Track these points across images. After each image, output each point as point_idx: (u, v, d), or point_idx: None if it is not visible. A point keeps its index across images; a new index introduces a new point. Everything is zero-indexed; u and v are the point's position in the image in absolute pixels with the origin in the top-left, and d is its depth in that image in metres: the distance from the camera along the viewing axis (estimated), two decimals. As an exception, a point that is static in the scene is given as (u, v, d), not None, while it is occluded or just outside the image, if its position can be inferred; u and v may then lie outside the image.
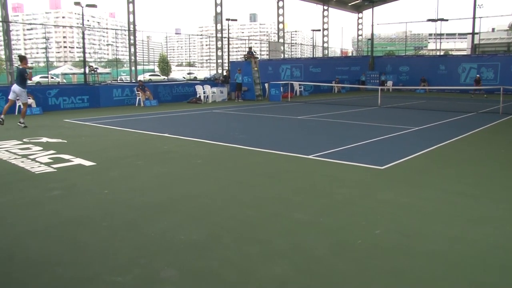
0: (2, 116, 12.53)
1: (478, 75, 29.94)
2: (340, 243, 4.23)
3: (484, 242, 4.25)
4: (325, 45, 58.15)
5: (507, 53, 39.42)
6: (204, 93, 23.21)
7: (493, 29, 78.29)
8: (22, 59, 12.92)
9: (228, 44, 43.15)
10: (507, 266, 3.75)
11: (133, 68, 42.43)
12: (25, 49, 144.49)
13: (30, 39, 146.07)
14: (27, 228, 4.66)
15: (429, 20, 49.88)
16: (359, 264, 3.78)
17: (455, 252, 4.00)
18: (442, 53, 55.88)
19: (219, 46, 45.44)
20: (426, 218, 4.94)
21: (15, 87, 12.64)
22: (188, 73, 66.68)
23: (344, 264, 3.78)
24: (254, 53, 26.16)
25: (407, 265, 3.76)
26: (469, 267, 3.74)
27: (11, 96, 12.81)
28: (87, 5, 33.98)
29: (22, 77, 12.54)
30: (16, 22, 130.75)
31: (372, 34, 40.64)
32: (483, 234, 4.46)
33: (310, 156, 8.24)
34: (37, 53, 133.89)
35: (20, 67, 12.77)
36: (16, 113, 16.77)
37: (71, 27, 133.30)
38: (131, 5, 40.10)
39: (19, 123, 12.38)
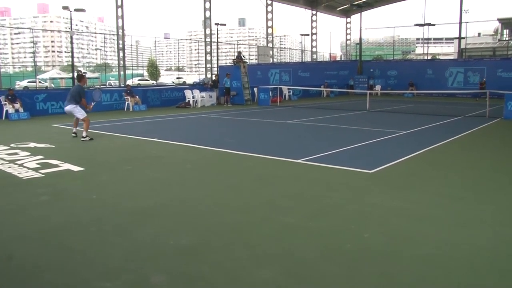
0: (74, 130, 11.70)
1: (484, 79, 29.94)
2: (329, 247, 4.25)
3: (472, 244, 4.29)
4: (314, 49, 58.47)
5: (492, 58, 39.88)
6: (193, 97, 23.17)
7: (479, 34, 79.17)
8: (81, 78, 12.04)
9: (217, 48, 43.16)
10: (494, 268, 3.80)
11: (121, 72, 42.27)
12: (12, 53, 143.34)
13: (17, 43, 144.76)
14: (15, 234, 4.61)
15: (416, 24, 50.41)
16: (348, 268, 3.79)
17: (443, 255, 4.03)
18: (429, 57, 56.43)
19: (208, 50, 45.47)
20: (415, 221, 4.98)
21: (68, 107, 11.50)
22: (177, 78, 66.54)
23: (333, 268, 3.80)
24: (243, 58, 26.19)
25: (396, 268, 3.79)
26: (457, 269, 3.77)
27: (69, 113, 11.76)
28: (76, 10, 33.83)
29: (79, 95, 11.44)
30: (3, 26, 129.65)
31: (361, 39, 40.90)
32: (471, 237, 4.51)
33: (299, 161, 8.27)
34: (25, 57, 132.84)
35: (78, 84, 11.85)
36: (3, 118, 16.62)
37: (59, 31, 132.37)
38: (119, 9, 40.01)
39: (82, 139, 11.07)
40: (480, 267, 3.82)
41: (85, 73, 41.87)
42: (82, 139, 11.07)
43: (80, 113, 11.51)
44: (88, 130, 11.40)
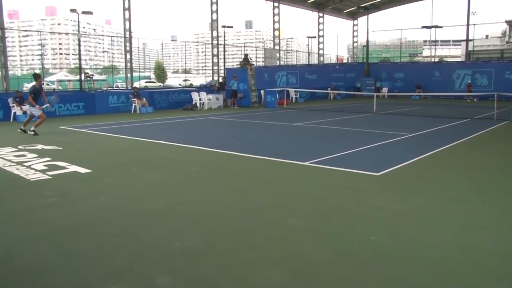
0: (22, 127, 12.98)
1: (469, 81, 30.61)
2: (336, 250, 4.23)
3: (479, 247, 4.26)
4: (321, 52, 58.37)
5: (500, 60, 39.66)
6: (200, 100, 23.21)
7: (486, 36, 78.70)
8: (37, 77, 13.33)
9: (224, 51, 43.19)
10: (502, 271, 3.76)
11: (129, 75, 42.41)
12: (20, 56, 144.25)
13: (25, 45, 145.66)
14: (21, 236, 4.63)
15: (423, 27, 50.17)
16: (355, 270, 3.77)
17: (450, 258, 4.01)
18: (436, 59, 56.18)
19: (215, 53, 45.52)
20: (422, 223, 4.95)
21: (27, 109, 13.16)
22: (184, 80, 66.61)
23: (340, 271, 3.78)
24: (250, 60, 26.20)
25: (403, 271, 3.77)
26: (464, 272, 3.75)
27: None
28: (83, 12, 34.00)
29: (32, 95, 12.80)
30: (12, 29, 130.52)
31: (367, 41, 40.82)
32: (478, 239, 4.47)
33: (306, 163, 8.25)
34: (33, 60, 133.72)
35: (33, 85, 13.13)
36: (11, 120, 16.75)
37: (67, 34, 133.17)
38: (127, 12, 40.15)
39: (29, 131, 12.62)
40: (487, 270, 3.79)
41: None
42: (29, 131, 12.52)
43: (36, 111, 12.87)
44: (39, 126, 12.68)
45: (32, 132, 12.41)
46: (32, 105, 12.79)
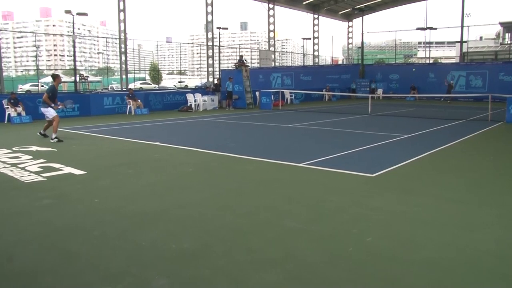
0: (42, 131, 12.16)
1: (451, 81, 31.35)
2: (331, 251, 4.23)
3: (476, 249, 4.28)
4: (316, 53, 58.52)
5: (494, 61, 39.87)
6: (195, 101, 23.19)
7: (480, 38, 79.09)
8: (56, 77, 12.42)
9: (219, 52, 43.21)
10: (499, 272, 3.78)
11: (124, 76, 42.34)
12: (15, 57, 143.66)
13: (20, 47, 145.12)
14: (17, 238, 4.61)
15: (418, 28, 50.41)
16: (350, 271, 3.78)
17: (446, 259, 4.02)
18: (431, 61, 56.42)
19: (210, 54, 45.52)
20: (417, 225, 4.96)
21: (41, 110, 12.04)
22: (179, 82, 66.56)
23: (335, 272, 3.78)
24: (245, 62, 26.22)
25: (399, 272, 3.77)
26: (461, 273, 3.76)
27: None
28: (78, 14, 33.92)
29: (50, 93, 11.93)
30: (6, 30, 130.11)
31: (362, 42, 40.92)
32: (475, 240, 4.49)
33: (301, 164, 8.25)
34: (27, 61, 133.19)
35: (52, 84, 12.25)
36: (6, 122, 16.67)
37: (61, 35, 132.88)
38: (122, 13, 40.10)
39: (51, 140, 11.46)
40: (484, 271, 3.80)
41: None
42: (51, 140, 11.45)
43: (49, 113, 11.95)
44: (57, 130, 11.86)
45: (55, 140, 11.39)
46: (46, 106, 11.81)
